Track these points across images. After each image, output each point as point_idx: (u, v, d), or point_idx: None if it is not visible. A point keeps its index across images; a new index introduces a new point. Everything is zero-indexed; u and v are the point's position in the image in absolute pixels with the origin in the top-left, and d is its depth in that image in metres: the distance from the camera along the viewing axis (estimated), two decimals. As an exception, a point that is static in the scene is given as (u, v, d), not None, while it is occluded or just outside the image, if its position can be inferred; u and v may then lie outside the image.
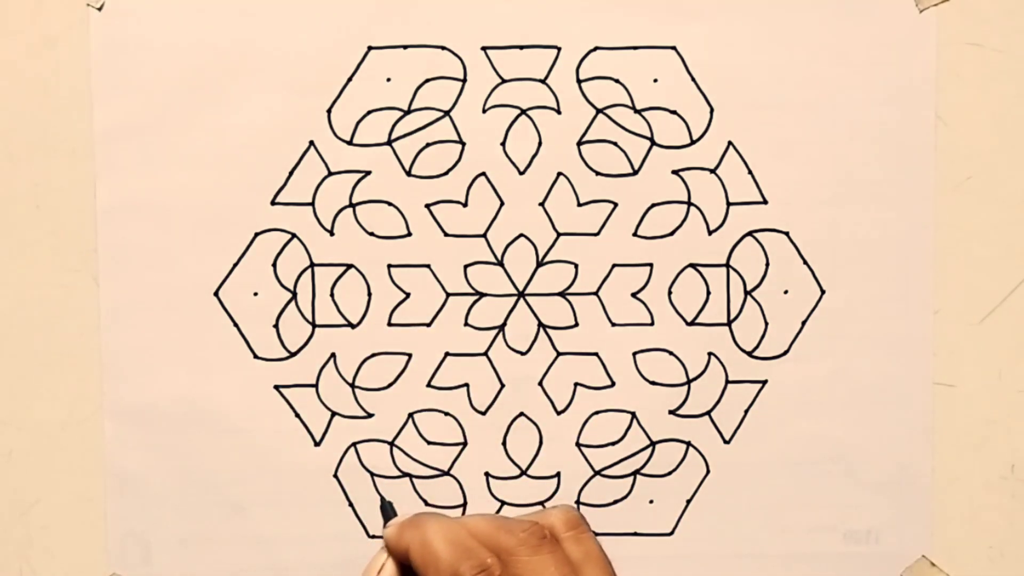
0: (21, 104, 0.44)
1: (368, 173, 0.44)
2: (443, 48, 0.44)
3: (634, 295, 0.45)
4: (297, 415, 0.45)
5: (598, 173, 0.45)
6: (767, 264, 0.45)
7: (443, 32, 0.44)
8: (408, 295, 0.45)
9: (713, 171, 0.45)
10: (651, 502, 0.45)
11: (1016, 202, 0.45)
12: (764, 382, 0.45)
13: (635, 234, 0.45)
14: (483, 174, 0.44)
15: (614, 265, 0.45)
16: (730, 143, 0.45)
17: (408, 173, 0.44)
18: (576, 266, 0.45)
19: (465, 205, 0.45)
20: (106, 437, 0.44)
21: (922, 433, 0.45)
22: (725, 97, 0.44)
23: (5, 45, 0.44)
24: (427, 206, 0.45)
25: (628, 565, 0.45)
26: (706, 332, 0.45)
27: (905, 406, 0.45)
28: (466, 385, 0.45)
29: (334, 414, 0.45)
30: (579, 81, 0.44)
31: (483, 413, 0.45)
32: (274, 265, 0.45)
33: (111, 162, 0.44)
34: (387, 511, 0.43)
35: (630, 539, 0.45)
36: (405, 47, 0.44)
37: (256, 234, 0.44)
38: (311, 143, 0.44)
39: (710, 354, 0.45)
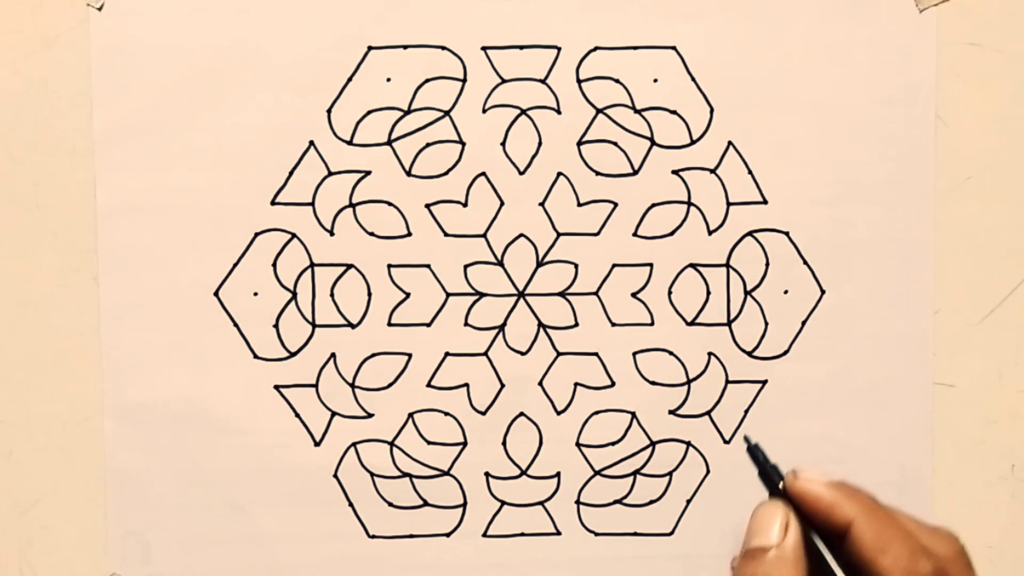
0: (21, 104, 0.44)
1: (368, 173, 0.44)
2: (443, 48, 0.44)
3: (634, 295, 0.45)
4: (297, 415, 0.45)
5: (598, 173, 0.45)
6: (767, 264, 0.45)
7: (443, 32, 0.44)
8: (408, 295, 0.45)
9: (713, 171, 0.45)
10: (651, 502, 0.45)
11: (1016, 202, 0.45)
12: (764, 382, 0.45)
13: (635, 234, 0.45)
14: (483, 174, 0.44)
15: (614, 265, 0.45)
16: (730, 143, 0.45)
17: (408, 173, 0.44)
18: (576, 266, 0.45)
19: (465, 205, 0.45)
20: (106, 437, 0.44)
21: (922, 433, 0.45)
22: (725, 97, 0.44)
23: (5, 45, 0.44)
24: (427, 206, 0.45)
25: (628, 565, 0.45)
26: (706, 332, 0.45)
27: (905, 406, 0.45)
28: (466, 385, 0.45)
29: (334, 414, 0.45)
30: (579, 81, 0.44)
31: (483, 413, 0.45)
32: (274, 265, 0.45)
33: (111, 162, 0.44)
34: (759, 454, 0.37)
35: (630, 539, 0.45)
36: (405, 47, 0.44)
37: (256, 234, 0.44)
38: (311, 143, 0.44)
39: (710, 354, 0.45)
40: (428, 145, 0.44)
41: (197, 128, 0.44)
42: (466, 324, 0.45)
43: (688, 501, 0.45)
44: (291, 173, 0.44)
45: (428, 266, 0.45)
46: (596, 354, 0.45)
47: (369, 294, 0.45)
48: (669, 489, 0.45)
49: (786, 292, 0.45)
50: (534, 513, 0.45)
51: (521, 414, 0.45)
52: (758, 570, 0.34)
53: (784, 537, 0.34)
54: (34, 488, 0.45)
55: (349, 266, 0.45)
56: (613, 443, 0.45)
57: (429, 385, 0.45)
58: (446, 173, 0.44)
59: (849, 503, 0.34)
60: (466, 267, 0.45)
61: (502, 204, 0.45)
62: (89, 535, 0.45)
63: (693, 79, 0.44)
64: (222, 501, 0.45)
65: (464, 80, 0.44)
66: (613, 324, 0.45)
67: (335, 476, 0.45)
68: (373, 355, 0.45)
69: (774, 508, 0.35)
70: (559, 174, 0.45)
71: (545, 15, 0.44)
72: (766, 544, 0.34)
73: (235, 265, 0.44)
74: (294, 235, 0.44)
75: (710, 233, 0.45)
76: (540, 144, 0.44)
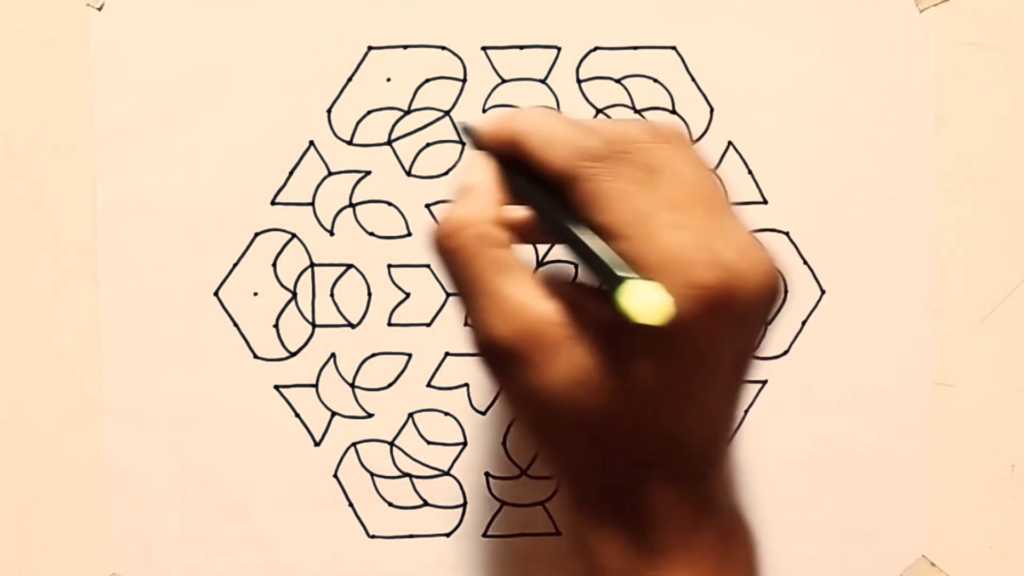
0: (21, 104, 0.44)
1: (368, 173, 0.44)
2: (443, 48, 0.44)
3: (634, 295, 0.45)
4: (297, 415, 0.45)
5: (598, 173, 0.44)
6: (767, 264, 0.45)
7: (443, 32, 0.44)
8: (408, 295, 0.45)
9: (713, 171, 0.45)
10: (651, 502, 0.45)
11: (1016, 202, 0.45)
12: (764, 382, 0.45)
13: (635, 234, 0.45)
14: (483, 174, 0.44)
15: (614, 265, 0.45)
16: (730, 143, 0.45)
17: (408, 173, 0.44)
18: (576, 266, 0.45)
19: (465, 205, 0.44)
20: (106, 437, 0.44)
21: (922, 433, 0.45)
22: (725, 97, 0.44)
23: (5, 45, 0.44)
24: (427, 206, 0.45)
25: (628, 565, 0.45)
26: (706, 332, 0.45)
27: (905, 406, 0.45)
28: (466, 385, 0.45)
29: (334, 414, 0.45)
30: (579, 81, 0.44)
31: (483, 413, 0.45)
32: (274, 265, 0.45)
33: (111, 162, 0.44)
34: (470, 129, 0.38)
35: (630, 539, 0.45)
36: (405, 47, 0.44)
37: (256, 234, 0.44)
38: (311, 143, 0.44)
39: (710, 354, 0.45)
40: (428, 145, 0.44)
41: (197, 128, 0.44)
42: (466, 324, 0.45)
43: (688, 501, 0.45)
44: (291, 173, 0.44)
45: (428, 266, 0.45)
46: (596, 354, 0.45)
47: (369, 294, 0.45)
48: (669, 489, 0.45)
49: (786, 292, 0.45)
50: (534, 513, 0.45)
51: (521, 414, 0.45)
52: (455, 207, 0.35)
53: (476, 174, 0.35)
54: (34, 488, 0.45)
55: (349, 266, 0.45)
56: (613, 443, 0.45)
57: (429, 385, 0.45)
58: (446, 173, 0.44)
59: (515, 120, 0.35)
60: (466, 267, 0.45)
61: (502, 204, 0.44)
62: (89, 535, 0.45)
63: (693, 79, 0.44)
64: (222, 501, 0.45)
65: (464, 80, 0.44)
66: (613, 324, 0.45)
67: (335, 476, 0.45)
68: (373, 355, 0.45)
69: (469, 159, 0.36)
70: (559, 174, 0.44)
71: (545, 15, 0.44)
72: (462, 185, 0.36)
73: (235, 265, 0.44)
74: (294, 235, 0.44)
75: (710, 233, 0.45)
76: (540, 144, 0.44)
